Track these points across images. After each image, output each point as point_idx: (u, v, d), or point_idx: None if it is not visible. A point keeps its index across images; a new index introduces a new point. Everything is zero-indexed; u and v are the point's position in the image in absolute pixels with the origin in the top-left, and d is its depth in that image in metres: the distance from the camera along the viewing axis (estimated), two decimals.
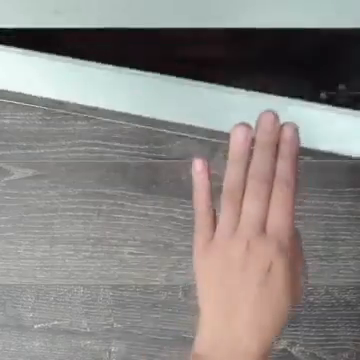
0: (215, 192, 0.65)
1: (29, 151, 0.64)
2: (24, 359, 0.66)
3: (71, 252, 0.65)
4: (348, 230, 0.65)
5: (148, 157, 0.65)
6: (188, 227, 0.65)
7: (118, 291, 0.65)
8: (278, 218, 0.40)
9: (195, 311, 0.65)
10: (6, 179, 0.64)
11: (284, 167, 0.41)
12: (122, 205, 0.65)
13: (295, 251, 0.42)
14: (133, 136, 0.64)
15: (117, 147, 0.65)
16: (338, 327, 0.65)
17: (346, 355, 0.64)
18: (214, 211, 0.43)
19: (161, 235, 0.65)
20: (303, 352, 0.65)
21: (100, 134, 0.65)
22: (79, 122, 0.64)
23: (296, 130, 0.41)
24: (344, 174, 0.65)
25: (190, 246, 0.65)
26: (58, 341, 0.65)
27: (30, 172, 0.65)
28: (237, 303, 0.40)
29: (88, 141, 0.64)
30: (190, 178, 0.65)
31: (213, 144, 0.64)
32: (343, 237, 0.65)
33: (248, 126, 0.41)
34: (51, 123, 0.64)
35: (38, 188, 0.65)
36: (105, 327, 0.65)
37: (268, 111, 0.41)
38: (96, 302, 0.65)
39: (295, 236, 0.42)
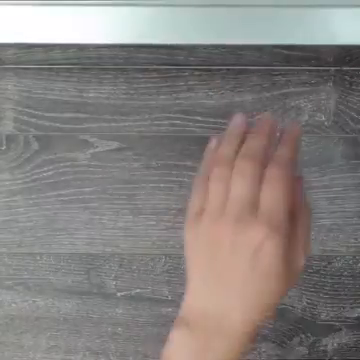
0: None
1: (113, 124, 0.66)
2: (107, 325, 0.68)
3: (153, 222, 0.67)
4: None
5: None
6: None
7: None
8: (269, 198, 0.39)
9: None
10: (91, 151, 0.66)
11: (282, 149, 0.41)
12: None
13: (294, 230, 0.40)
14: (214, 110, 0.66)
15: (198, 121, 0.66)
16: None
17: None
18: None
19: None
20: None
21: (182, 108, 0.66)
22: (161, 96, 0.66)
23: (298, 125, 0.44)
24: None
25: None
26: (140, 308, 0.68)
27: (114, 145, 0.66)
28: (226, 281, 0.39)
29: (171, 115, 0.66)
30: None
31: None
32: None
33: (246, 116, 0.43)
34: (134, 97, 0.66)
35: (122, 160, 0.66)
36: None
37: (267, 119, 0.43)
38: (177, 271, 0.67)
39: (294, 215, 0.41)
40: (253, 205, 0.39)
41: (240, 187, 0.39)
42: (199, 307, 0.40)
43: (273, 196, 0.39)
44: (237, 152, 0.41)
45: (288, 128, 0.43)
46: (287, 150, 0.41)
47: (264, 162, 0.40)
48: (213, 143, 0.44)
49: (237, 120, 0.43)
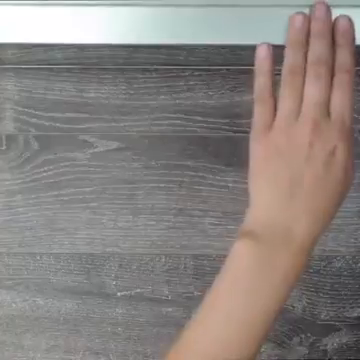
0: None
1: (113, 124, 0.66)
2: (107, 325, 0.68)
3: (153, 222, 0.67)
4: None
5: (228, 131, 0.66)
6: None
7: (199, 260, 0.67)
8: (342, 101, 0.40)
9: None
10: (91, 151, 0.66)
11: (342, 55, 0.41)
12: (203, 177, 0.67)
13: (353, 136, 0.42)
14: (214, 110, 0.66)
15: (198, 121, 0.66)
16: None
17: None
18: (274, 99, 0.43)
19: (241, 206, 0.67)
20: None
21: (182, 108, 0.66)
22: (161, 96, 0.66)
23: (350, 20, 0.42)
24: None
25: None
26: (140, 308, 0.68)
27: (114, 145, 0.66)
28: (299, 183, 0.39)
29: (171, 115, 0.66)
30: None
31: None
32: None
33: (305, 15, 0.42)
34: (134, 97, 0.66)
35: (122, 160, 0.66)
36: (185, 295, 0.68)
37: (321, 1, 0.42)
38: (177, 271, 0.67)
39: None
40: (326, 109, 0.40)
41: (315, 90, 0.40)
42: (266, 218, 0.40)
43: (344, 101, 0.40)
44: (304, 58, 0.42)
45: (341, 24, 0.42)
46: (348, 54, 0.41)
47: (331, 64, 0.41)
48: (264, 51, 0.44)
49: (296, 23, 0.42)
